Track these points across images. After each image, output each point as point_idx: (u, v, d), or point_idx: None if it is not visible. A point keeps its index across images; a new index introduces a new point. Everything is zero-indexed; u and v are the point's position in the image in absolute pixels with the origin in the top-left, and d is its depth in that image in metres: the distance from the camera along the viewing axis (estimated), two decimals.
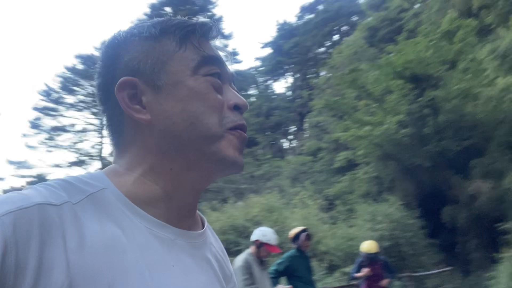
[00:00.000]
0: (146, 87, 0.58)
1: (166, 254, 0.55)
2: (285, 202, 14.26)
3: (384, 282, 5.58)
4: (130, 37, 0.60)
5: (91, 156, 22.86)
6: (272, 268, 4.26)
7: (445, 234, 11.94)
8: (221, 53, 0.65)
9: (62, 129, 22.53)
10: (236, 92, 0.62)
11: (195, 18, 0.63)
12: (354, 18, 26.38)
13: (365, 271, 5.52)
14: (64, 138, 22.64)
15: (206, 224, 0.67)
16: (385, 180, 13.65)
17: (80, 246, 0.46)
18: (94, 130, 22.68)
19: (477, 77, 11.59)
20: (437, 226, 11.86)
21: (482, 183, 10.80)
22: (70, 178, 0.55)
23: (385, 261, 6.02)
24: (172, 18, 0.62)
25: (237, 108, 0.61)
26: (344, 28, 27.78)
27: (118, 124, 0.60)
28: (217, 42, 0.66)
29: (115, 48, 0.60)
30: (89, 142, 22.91)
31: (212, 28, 0.63)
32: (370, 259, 5.68)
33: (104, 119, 0.62)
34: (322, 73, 24.60)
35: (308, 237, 4.52)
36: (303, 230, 4.55)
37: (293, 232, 4.59)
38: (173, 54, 0.59)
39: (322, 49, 29.00)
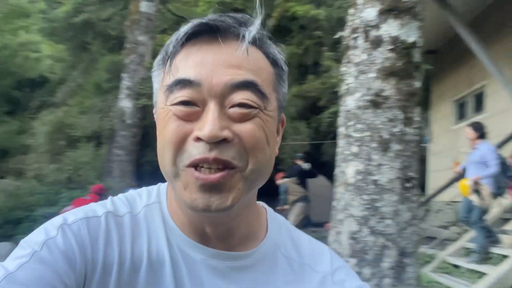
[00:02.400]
0: None
1: (195, 274, 0.56)
2: None
3: None
4: (154, 65, 0.59)
5: None
6: None
7: None
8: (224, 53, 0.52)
9: None
10: (212, 117, 0.49)
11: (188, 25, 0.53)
12: None
13: None
14: None
15: (261, 246, 0.60)
16: None
17: (129, 258, 0.55)
18: None
19: None
20: None
21: None
22: (141, 190, 0.64)
23: None
24: (177, 32, 0.53)
25: (200, 139, 0.49)
26: None
27: None
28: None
29: None
30: None
31: (198, 30, 0.52)
32: None
33: None
34: None
35: None
36: None
37: None
38: (161, 83, 0.55)
39: None
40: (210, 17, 0.52)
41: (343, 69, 2.49)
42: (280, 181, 7.82)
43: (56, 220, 0.55)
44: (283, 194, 7.64)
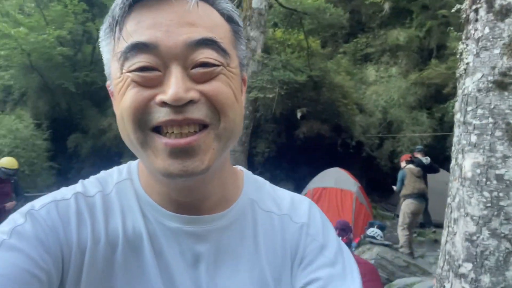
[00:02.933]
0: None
1: (174, 243, 0.57)
2: None
3: (10, 204, 5.16)
4: (101, 34, 0.56)
5: None
6: None
7: (65, 160, 12.02)
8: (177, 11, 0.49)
9: None
10: (176, 80, 0.47)
11: None
12: None
13: None
14: None
15: (235, 206, 0.62)
16: (17, 93, 12.21)
17: (104, 236, 0.55)
18: None
19: None
20: (60, 151, 11.71)
21: (114, 120, 10.13)
22: (111, 170, 0.63)
23: (16, 181, 5.53)
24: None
25: (165, 104, 0.48)
26: None
27: None
28: None
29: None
30: None
31: None
32: (6, 176, 5.22)
33: None
34: None
35: None
36: None
37: None
38: (113, 52, 0.52)
39: None
40: None
41: (461, 46, 2.18)
42: (403, 164, 7.00)
43: (23, 208, 0.54)
44: (399, 182, 6.84)
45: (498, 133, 1.93)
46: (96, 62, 13.00)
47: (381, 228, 6.51)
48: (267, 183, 0.71)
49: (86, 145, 12.33)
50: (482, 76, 2.01)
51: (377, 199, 13.45)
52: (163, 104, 0.48)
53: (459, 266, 2.00)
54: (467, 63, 2.11)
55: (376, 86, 12.39)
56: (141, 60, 0.48)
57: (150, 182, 0.59)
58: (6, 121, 10.31)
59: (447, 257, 2.11)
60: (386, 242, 6.11)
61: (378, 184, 12.37)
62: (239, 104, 0.54)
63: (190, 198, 0.57)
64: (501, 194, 1.90)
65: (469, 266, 1.96)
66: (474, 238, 1.96)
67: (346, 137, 12.01)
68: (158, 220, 0.57)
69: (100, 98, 13.19)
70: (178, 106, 0.47)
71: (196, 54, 0.49)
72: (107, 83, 0.58)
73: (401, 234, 6.44)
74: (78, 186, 0.59)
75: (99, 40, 0.56)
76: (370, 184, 13.98)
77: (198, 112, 0.49)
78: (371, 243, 6.12)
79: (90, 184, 0.60)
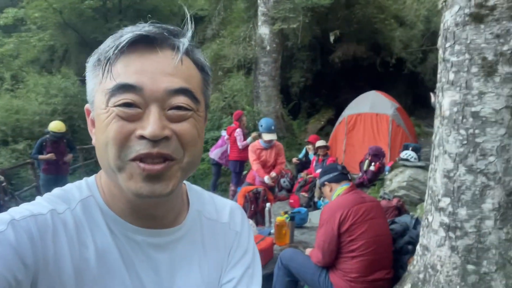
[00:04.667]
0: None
1: (141, 254, 0.65)
2: None
3: (68, 157, 5.80)
4: (87, 65, 0.63)
5: None
6: None
7: None
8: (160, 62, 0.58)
9: None
10: (154, 118, 0.56)
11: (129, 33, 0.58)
12: None
13: (49, 155, 5.66)
14: None
15: (187, 218, 0.72)
16: (60, 50, 11.94)
17: (78, 251, 0.60)
18: None
19: None
20: None
21: None
22: (68, 187, 0.67)
23: (68, 139, 5.95)
24: (113, 37, 0.59)
25: (143, 137, 0.56)
26: None
27: None
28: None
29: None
30: None
31: (138, 39, 0.58)
32: (56, 138, 5.67)
33: None
34: None
35: None
36: None
37: None
38: (99, 85, 0.60)
39: None
40: (148, 28, 0.59)
41: None
42: None
43: (4, 217, 0.56)
44: None
45: (474, 69, 1.88)
46: (125, 10, 13.03)
47: (416, 149, 6.44)
48: (205, 192, 0.82)
49: None
50: (459, 9, 1.90)
51: (424, 115, 12.97)
52: (142, 137, 0.56)
53: (439, 200, 2.10)
54: None
55: None
56: (126, 97, 0.56)
57: (116, 200, 0.65)
58: (55, 81, 10.88)
59: (429, 192, 2.21)
60: (419, 163, 6.10)
61: (424, 100, 11.84)
62: (200, 140, 0.64)
63: (154, 214, 0.66)
64: (477, 131, 1.91)
65: (447, 200, 2.06)
66: (452, 174, 2.02)
67: (385, 55, 11.37)
68: (124, 234, 0.64)
69: None
70: (154, 141, 0.56)
71: (173, 99, 0.58)
72: (87, 106, 0.66)
73: None
74: (46, 202, 0.62)
75: (86, 69, 0.64)
76: (416, 102, 13.41)
77: (169, 148, 0.58)
78: (404, 166, 6.15)
79: (56, 201, 0.63)
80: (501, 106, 1.84)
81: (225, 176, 7.88)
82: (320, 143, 6.69)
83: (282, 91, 10.25)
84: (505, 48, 1.79)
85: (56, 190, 0.66)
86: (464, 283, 2.01)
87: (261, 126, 5.09)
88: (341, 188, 2.71)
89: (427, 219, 2.22)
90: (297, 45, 10.06)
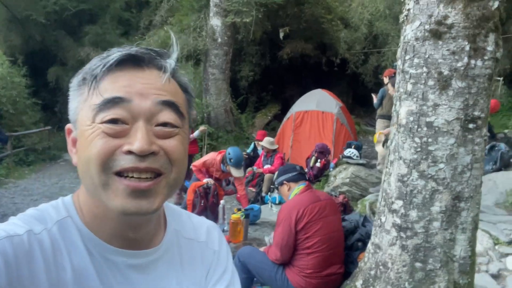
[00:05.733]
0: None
1: (119, 276, 0.64)
2: None
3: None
4: (71, 85, 0.63)
5: None
6: None
7: (48, 94, 12.01)
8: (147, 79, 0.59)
9: None
10: (142, 134, 0.56)
11: (117, 52, 0.58)
12: None
13: None
14: None
15: (165, 238, 0.71)
16: None
17: (55, 273, 0.58)
18: None
19: None
20: (41, 85, 11.62)
21: (92, 50, 11.03)
22: (44, 207, 0.65)
23: None
24: (100, 57, 0.59)
25: (132, 152, 0.56)
26: None
27: None
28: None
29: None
30: None
31: (126, 58, 0.58)
32: None
33: None
34: None
35: None
36: None
37: None
38: (84, 103, 0.59)
39: None
40: (135, 49, 0.60)
41: None
42: (385, 79, 6.41)
43: None
44: (378, 100, 6.58)
45: (430, 82, 2.02)
46: None
47: (358, 147, 6.80)
48: (182, 210, 0.82)
49: (68, 78, 11.98)
50: (420, 24, 2.03)
51: (362, 114, 13.73)
52: (129, 152, 0.56)
53: (392, 203, 2.24)
54: (408, 9, 2.10)
55: None
56: (114, 113, 0.56)
57: (96, 220, 0.63)
58: None
59: (383, 194, 2.35)
60: (361, 161, 6.46)
61: (363, 100, 12.52)
62: (186, 157, 0.64)
63: (135, 234, 0.65)
64: (430, 140, 2.06)
65: (400, 203, 2.21)
66: (405, 179, 2.17)
67: (331, 55, 11.81)
68: (103, 256, 0.63)
69: (75, 26, 12.60)
70: (141, 156, 0.56)
71: (160, 115, 0.59)
72: (69, 126, 0.65)
73: (378, 151, 6.73)
74: (23, 222, 0.60)
75: (70, 88, 0.63)
76: (356, 101, 14.13)
77: (157, 163, 0.58)
78: (347, 163, 6.47)
79: (32, 221, 0.61)
80: (452, 117, 2.00)
81: None
82: (267, 143, 6.78)
83: (230, 85, 10.22)
84: (459, 64, 1.95)
85: (31, 210, 0.64)
86: (412, 279, 2.17)
87: (230, 160, 4.52)
88: (298, 187, 2.80)
89: (380, 219, 2.36)
90: (247, 39, 10.08)
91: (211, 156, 4.85)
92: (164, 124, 0.59)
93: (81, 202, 0.65)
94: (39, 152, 9.79)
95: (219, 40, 8.83)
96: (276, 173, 3.16)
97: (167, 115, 0.59)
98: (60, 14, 11.94)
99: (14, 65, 10.39)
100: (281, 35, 10.18)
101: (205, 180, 4.66)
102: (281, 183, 2.88)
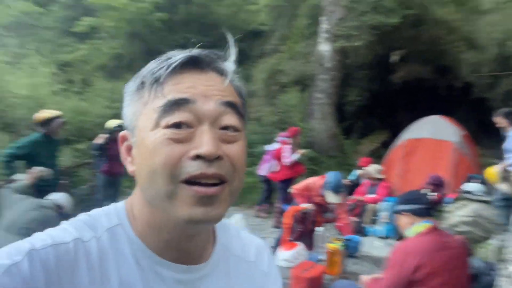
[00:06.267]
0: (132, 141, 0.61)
1: None
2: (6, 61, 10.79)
3: None
4: (127, 90, 0.62)
5: None
6: (9, 151, 3.92)
7: None
8: (210, 80, 0.59)
9: None
10: (209, 137, 0.54)
11: (178, 56, 0.58)
12: None
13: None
14: None
15: (214, 254, 0.68)
16: (126, 58, 12.03)
17: (99, 283, 0.57)
18: None
19: None
20: None
21: None
22: (97, 213, 0.64)
23: None
24: (159, 60, 0.59)
25: (199, 157, 0.54)
26: None
27: None
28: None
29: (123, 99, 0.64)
30: None
31: (188, 60, 0.58)
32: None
33: None
34: None
35: (62, 124, 4.18)
36: (58, 117, 4.13)
37: (42, 116, 4.09)
38: (144, 107, 0.58)
39: None
40: (197, 51, 0.61)
41: None
42: None
43: (23, 245, 0.54)
44: None
45: None
46: (191, 23, 13.62)
47: (483, 182, 5.95)
48: (231, 225, 0.78)
49: None
50: None
51: (488, 145, 12.01)
52: (196, 157, 0.54)
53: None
54: None
55: (492, 15, 10.57)
56: (178, 116, 0.55)
57: (149, 230, 0.61)
58: (119, 87, 11.31)
59: None
60: (484, 198, 5.60)
61: (490, 128, 11.00)
62: (246, 164, 0.62)
63: (188, 246, 0.62)
64: None
65: None
66: None
67: (451, 78, 10.72)
68: (152, 268, 0.60)
69: None
70: (209, 160, 0.54)
71: (224, 118, 0.58)
72: (123, 133, 0.63)
73: (502, 189, 5.79)
74: (72, 229, 0.59)
75: (125, 94, 0.62)
76: (480, 130, 12.48)
77: (223, 169, 0.56)
78: (467, 199, 5.68)
79: (83, 227, 0.60)
80: None
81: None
82: (374, 171, 6.40)
83: (336, 109, 10.01)
84: None
85: (83, 216, 0.63)
86: None
87: (328, 184, 4.27)
88: (421, 225, 2.35)
89: (508, 269, 1.95)
90: (356, 63, 9.82)
91: (313, 180, 4.72)
92: (226, 128, 0.58)
93: (135, 210, 0.63)
94: None
95: (327, 65, 8.79)
96: (397, 198, 2.73)
97: (230, 118, 0.58)
98: (185, 47, 13.37)
99: None
100: (393, 58, 9.68)
101: (305, 205, 4.54)
102: (401, 212, 2.48)
